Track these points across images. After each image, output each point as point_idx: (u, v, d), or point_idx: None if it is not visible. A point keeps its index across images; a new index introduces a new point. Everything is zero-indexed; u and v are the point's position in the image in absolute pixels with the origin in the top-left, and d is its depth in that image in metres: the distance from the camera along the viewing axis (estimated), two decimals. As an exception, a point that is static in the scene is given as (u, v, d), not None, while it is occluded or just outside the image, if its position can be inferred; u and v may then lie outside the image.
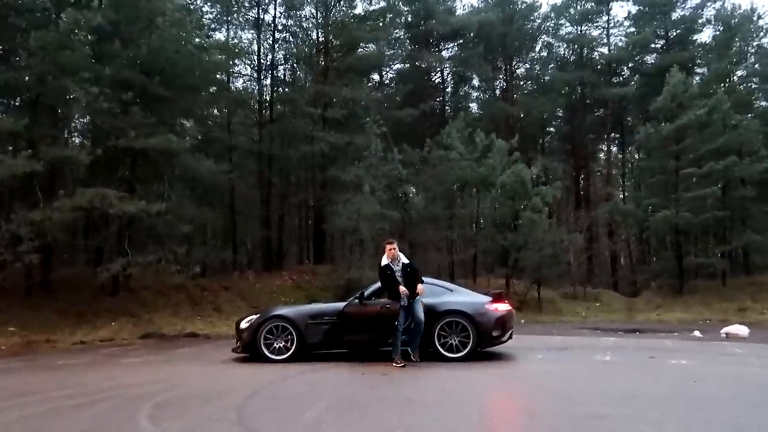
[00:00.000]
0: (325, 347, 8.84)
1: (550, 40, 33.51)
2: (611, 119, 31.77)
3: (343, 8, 26.61)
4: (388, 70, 31.60)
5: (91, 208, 13.81)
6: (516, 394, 6.65)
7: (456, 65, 31.50)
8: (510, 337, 9.11)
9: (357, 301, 8.94)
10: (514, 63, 33.85)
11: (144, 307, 15.83)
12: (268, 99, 26.10)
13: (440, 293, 8.88)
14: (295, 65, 28.45)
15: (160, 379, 7.54)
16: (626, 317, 19.72)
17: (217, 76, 20.45)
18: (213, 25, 24.64)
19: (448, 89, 33.46)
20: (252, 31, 26.26)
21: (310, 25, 26.75)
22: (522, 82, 35.01)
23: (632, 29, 31.77)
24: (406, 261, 8.65)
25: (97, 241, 16.89)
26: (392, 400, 6.09)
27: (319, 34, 26.58)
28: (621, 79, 32.59)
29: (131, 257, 14.49)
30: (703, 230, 24.96)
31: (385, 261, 8.52)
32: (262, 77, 26.13)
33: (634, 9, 31.64)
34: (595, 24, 32.42)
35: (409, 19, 30.05)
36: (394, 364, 8.08)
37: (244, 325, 9.10)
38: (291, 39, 27.11)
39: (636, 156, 32.16)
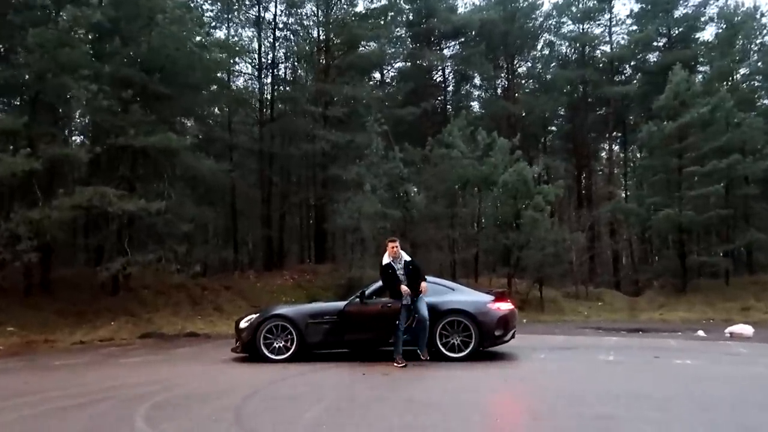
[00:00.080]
0: (325, 347, 8.75)
1: (552, 39, 33.45)
2: (613, 118, 31.63)
3: (344, 6, 26.51)
4: (389, 68, 31.61)
5: (91, 206, 13.75)
6: (519, 395, 6.55)
7: (457, 64, 31.38)
8: (512, 337, 9.02)
9: (358, 300, 8.83)
10: (515, 61, 33.75)
11: (144, 307, 15.76)
12: (268, 97, 26.02)
13: (442, 292, 8.77)
14: (296, 63, 28.40)
15: (158, 379, 7.44)
16: (629, 317, 19.61)
17: (218, 74, 20.40)
18: (213, 24, 24.61)
19: (450, 88, 33.37)
20: (252, 29, 26.21)
21: (311, 23, 26.70)
22: (524, 81, 34.94)
23: (634, 27, 31.67)
24: (408, 258, 8.55)
25: (97, 240, 16.82)
26: (393, 401, 5.99)
27: (320, 32, 26.51)
28: (623, 77, 32.45)
29: (131, 256, 14.42)
30: (705, 229, 24.87)
31: (386, 260, 8.40)
32: (263, 76, 26.06)
33: (636, 7, 31.55)
34: (597, 22, 32.30)
35: (411, 17, 29.98)
36: (395, 364, 7.98)
37: (243, 324, 9.00)
38: (292, 37, 27.05)
39: (638, 155, 32.07)
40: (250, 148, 24.83)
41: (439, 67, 31.58)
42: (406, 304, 8.18)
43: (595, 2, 31.67)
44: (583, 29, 32.26)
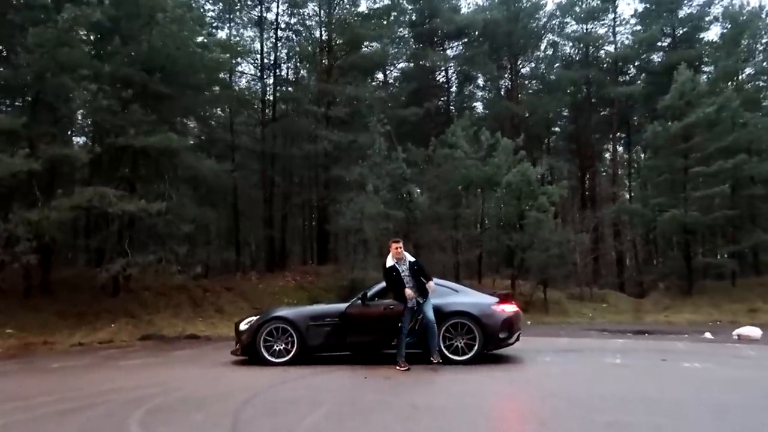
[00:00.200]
0: (326, 349, 8.59)
1: (556, 39, 33.25)
2: (617, 118, 31.45)
3: (347, 6, 26.44)
4: (392, 68, 31.48)
5: (90, 207, 13.64)
6: (525, 399, 6.37)
7: (461, 64, 31.23)
8: (517, 339, 8.84)
9: (359, 301, 8.66)
10: (519, 62, 33.56)
11: (144, 308, 15.64)
12: (271, 98, 25.90)
13: (445, 294, 8.56)
14: (298, 64, 28.30)
15: (155, 383, 7.29)
16: (634, 318, 19.44)
17: (220, 75, 20.30)
18: (215, 24, 24.51)
19: (453, 88, 33.28)
20: (255, 30, 26.09)
21: (314, 24, 26.60)
22: (527, 81, 34.78)
23: (639, 27, 31.41)
24: (413, 259, 8.34)
25: (97, 241, 16.69)
26: (395, 406, 5.82)
27: (323, 32, 26.41)
28: (627, 77, 32.29)
29: (131, 257, 14.28)
30: (711, 230, 24.66)
31: (390, 262, 8.17)
32: (265, 76, 25.96)
33: (640, 7, 31.34)
34: (601, 22, 32.08)
35: (414, 17, 29.84)
36: (397, 368, 7.81)
37: (243, 326, 8.83)
38: (294, 37, 26.91)
39: (642, 155, 31.89)
40: (252, 149, 24.72)
41: (442, 68, 31.44)
42: (411, 307, 8.01)
43: (599, 2, 31.46)
44: (586, 29, 32.08)
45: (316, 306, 9.88)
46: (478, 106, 33.61)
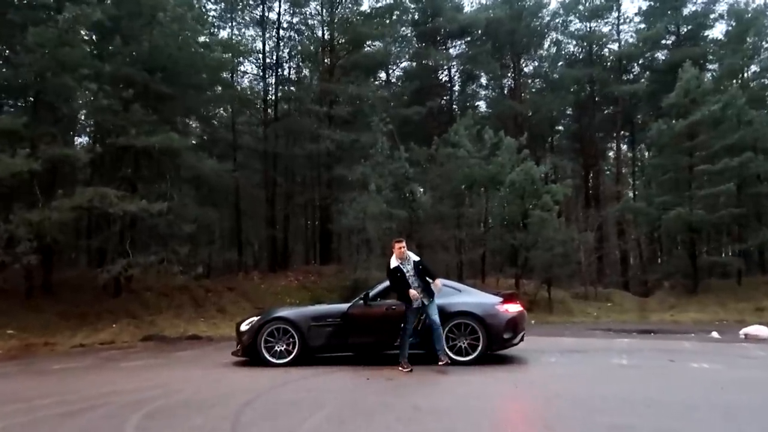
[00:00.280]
0: (328, 350, 8.48)
1: (559, 37, 33.09)
2: (621, 117, 31.26)
3: (349, 5, 26.33)
4: (394, 67, 31.41)
5: (91, 207, 13.56)
6: (530, 402, 6.25)
7: (463, 63, 31.10)
8: (521, 340, 8.73)
9: (361, 302, 8.55)
10: (522, 60, 33.40)
11: (146, 309, 15.56)
12: (273, 97, 25.81)
13: (448, 294, 8.41)
14: (300, 63, 28.20)
15: (155, 385, 7.20)
16: (639, 318, 19.27)
17: (222, 75, 20.23)
18: (217, 23, 24.44)
19: (456, 87, 33.12)
20: (257, 29, 25.99)
21: (316, 23, 26.49)
22: (530, 80, 34.62)
23: (643, 25, 31.26)
24: (417, 259, 8.19)
25: (98, 241, 16.63)
26: (398, 408, 5.71)
27: (325, 31, 26.29)
28: (631, 75, 32.10)
29: (132, 258, 14.20)
30: (716, 228, 24.47)
31: (394, 262, 8.02)
32: (267, 75, 25.86)
33: (644, 4, 31.28)
34: (605, 20, 31.91)
35: (416, 16, 29.76)
36: (400, 369, 7.71)
37: (244, 327, 8.74)
38: (296, 37, 26.83)
39: (646, 154, 31.65)
40: (254, 149, 24.65)
41: (445, 67, 31.32)
42: (416, 308, 7.88)
43: (603, 0, 31.28)
44: (590, 27, 31.93)
45: (318, 306, 9.76)
46: (481, 105, 33.58)
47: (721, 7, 29.75)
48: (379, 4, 26.78)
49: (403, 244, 8.19)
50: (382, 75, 30.67)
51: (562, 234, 20.50)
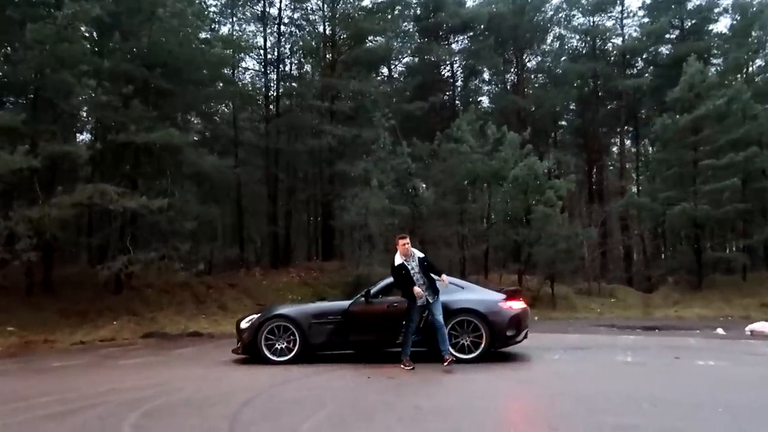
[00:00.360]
0: (329, 348, 8.39)
1: (562, 32, 32.81)
2: (625, 111, 30.99)
3: (350, 0, 26.10)
4: (396, 63, 31.15)
5: (91, 204, 13.48)
6: (534, 401, 6.14)
7: (466, 58, 30.93)
8: (525, 337, 8.63)
9: (363, 299, 8.46)
10: (525, 55, 33.15)
11: (147, 306, 15.47)
12: (274, 93, 25.69)
13: (451, 291, 8.26)
14: (302, 59, 28.03)
15: (154, 384, 7.11)
16: (643, 314, 19.14)
17: (224, 71, 20.12)
18: (218, 19, 24.31)
19: (458, 82, 32.92)
20: (258, 25, 25.84)
21: (317, 18, 26.31)
22: (533, 75, 34.38)
23: (646, 19, 30.91)
24: (422, 255, 8.03)
25: (99, 238, 16.57)
26: (399, 408, 5.62)
27: (326, 26, 26.12)
28: (635, 70, 31.85)
29: (133, 255, 14.12)
30: (721, 224, 24.29)
31: (399, 259, 7.85)
32: (269, 71, 25.72)
33: (648, -1, 30.88)
34: (609, 14, 31.64)
35: (418, 11, 29.54)
36: (402, 366, 7.61)
37: (244, 324, 8.66)
38: (297, 32, 26.68)
39: (650, 149, 31.48)
40: (256, 145, 24.52)
41: (448, 62, 31.16)
42: (420, 306, 7.76)
43: (606, -6, 31.05)
44: (593, 22, 31.69)
45: (319, 303, 9.64)
46: (484, 100, 33.37)
47: (726, 1, 29.46)
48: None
49: (408, 240, 8.05)
50: (384, 70, 30.48)
51: (565, 229, 20.37)
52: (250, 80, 27.14)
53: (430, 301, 7.80)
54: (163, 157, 15.89)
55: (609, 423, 4.95)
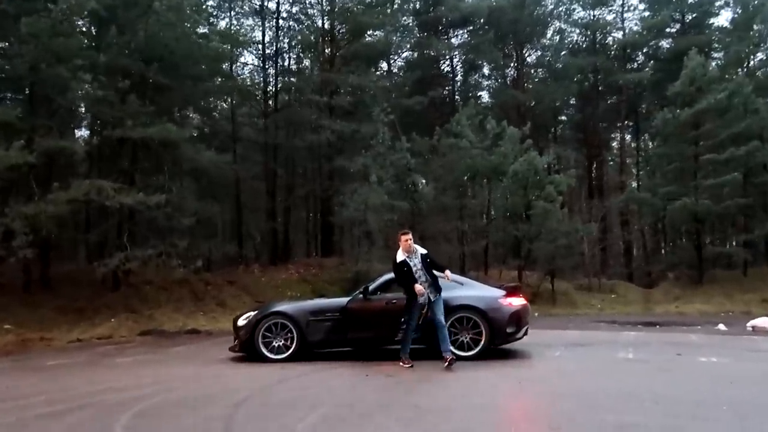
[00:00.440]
0: (327, 345, 8.28)
1: (563, 26, 32.53)
2: (625, 106, 30.85)
3: (349, -6, 25.92)
4: (396, 57, 30.98)
5: (88, 200, 13.37)
6: (535, 399, 6.04)
7: (466, 52, 30.76)
8: (525, 334, 8.54)
9: (361, 296, 8.35)
10: (525, 50, 32.93)
11: (145, 303, 15.40)
12: (273, 88, 25.54)
13: (450, 287, 8.12)
14: (300, 53, 27.85)
15: (149, 383, 7.01)
16: (643, 309, 19.09)
17: (222, 65, 19.97)
18: (215, 13, 24.13)
19: (458, 77, 32.70)
20: (256, 19, 25.68)
21: (316, 12, 26.09)
22: (533, 69, 34.17)
23: (647, 13, 30.76)
24: (424, 251, 7.87)
25: (96, 235, 16.46)
26: (397, 407, 5.52)
27: (325, 21, 25.92)
28: (635, 64, 31.63)
29: (130, 251, 14.03)
30: (722, 219, 24.18)
31: (401, 256, 7.68)
32: (267, 66, 25.57)
33: (649, -8, 30.68)
34: (609, 8, 31.40)
35: (418, 5, 29.42)
36: (401, 364, 7.51)
37: (241, 322, 8.55)
38: (296, 26, 26.45)
39: (651, 143, 31.32)
40: (254, 140, 24.39)
41: (447, 56, 30.98)
42: (421, 303, 7.63)
43: (607, -12, 30.85)
44: (594, 16, 31.49)
45: (316, 300, 9.56)
46: (484, 95, 33.17)
47: (727, -5, 29.33)
48: (380, -7, 26.44)
49: (410, 236, 7.88)
50: (383, 65, 30.31)
51: (565, 225, 20.29)
52: (248, 75, 27.03)
53: (432, 299, 7.66)
54: (161, 152, 15.76)
55: (611, 421, 4.86)
